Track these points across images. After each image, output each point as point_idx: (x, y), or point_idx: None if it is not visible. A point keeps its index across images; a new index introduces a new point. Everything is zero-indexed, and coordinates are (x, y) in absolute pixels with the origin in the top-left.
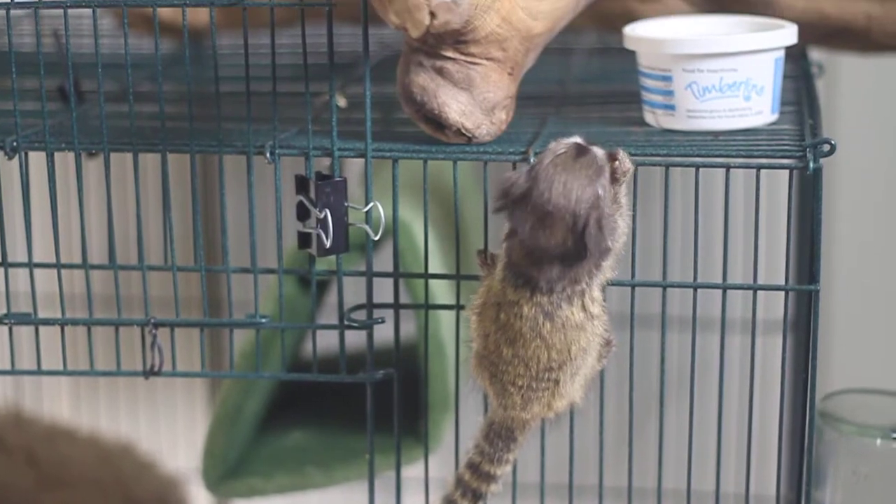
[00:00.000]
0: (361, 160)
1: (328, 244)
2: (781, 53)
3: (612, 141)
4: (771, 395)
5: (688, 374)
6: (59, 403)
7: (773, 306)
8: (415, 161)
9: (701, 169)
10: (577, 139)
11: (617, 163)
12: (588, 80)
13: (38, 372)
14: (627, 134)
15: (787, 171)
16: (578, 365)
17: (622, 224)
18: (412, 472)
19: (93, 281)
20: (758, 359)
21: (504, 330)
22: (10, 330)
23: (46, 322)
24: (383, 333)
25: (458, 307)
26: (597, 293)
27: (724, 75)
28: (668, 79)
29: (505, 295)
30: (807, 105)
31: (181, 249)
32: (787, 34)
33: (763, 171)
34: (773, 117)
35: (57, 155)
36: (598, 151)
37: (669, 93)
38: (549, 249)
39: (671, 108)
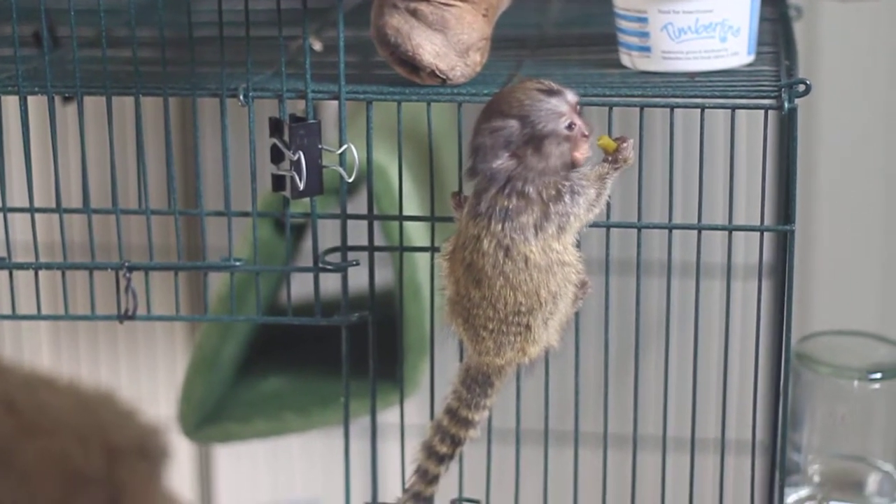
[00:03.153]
0: (337, 103)
1: (301, 186)
2: None
3: (587, 83)
4: (751, 340)
5: (668, 320)
6: (40, 352)
7: (754, 250)
8: (390, 105)
9: (681, 110)
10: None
11: (625, 144)
12: (566, 24)
13: (14, 317)
14: (603, 76)
15: (763, 112)
16: (550, 311)
17: (592, 194)
18: (390, 417)
19: (71, 229)
20: (739, 303)
21: (470, 270)
22: None
23: (21, 266)
24: (360, 278)
25: (433, 249)
26: (566, 240)
27: (699, 16)
28: (643, 20)
29: (468, 230)
30: (784, 47)
31: (158, 194)
32: None
33: (744, 113)
34: (750, 58)
35: (35, 100)
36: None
37: (645, 34)
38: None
39: (647, 49)
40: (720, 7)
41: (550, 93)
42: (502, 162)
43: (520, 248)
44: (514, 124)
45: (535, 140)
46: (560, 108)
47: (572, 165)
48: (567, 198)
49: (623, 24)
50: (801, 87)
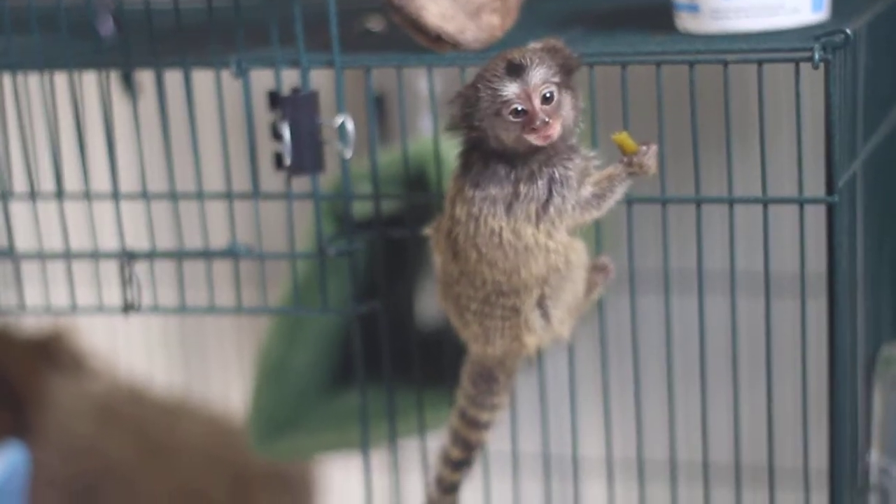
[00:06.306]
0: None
1: (288, 161)
2: None
3: (617, 43)
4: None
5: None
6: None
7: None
8: None
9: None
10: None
11: (645, 149)
12: None
13: (20, 308)
14: (645, 39)
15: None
16: (546, 295)
17: (585, 192)
18: None
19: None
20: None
21: (448, 240)
22: None
23: (26, 256)
24: None
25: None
26: (548, 228)
27: None
28: None
29: (448, 192)
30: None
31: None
32: None
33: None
34: (818, 16)
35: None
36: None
37: None
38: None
39: (695, 8)
40: None
41: (512, 70)
42: (469, 129)
43: (488, 221)
44: (471, 94)
45: (488, 115)
46: (508, 91)
47: (536, 148)
48: (540, 183)
49: None
50: (840, 38)
